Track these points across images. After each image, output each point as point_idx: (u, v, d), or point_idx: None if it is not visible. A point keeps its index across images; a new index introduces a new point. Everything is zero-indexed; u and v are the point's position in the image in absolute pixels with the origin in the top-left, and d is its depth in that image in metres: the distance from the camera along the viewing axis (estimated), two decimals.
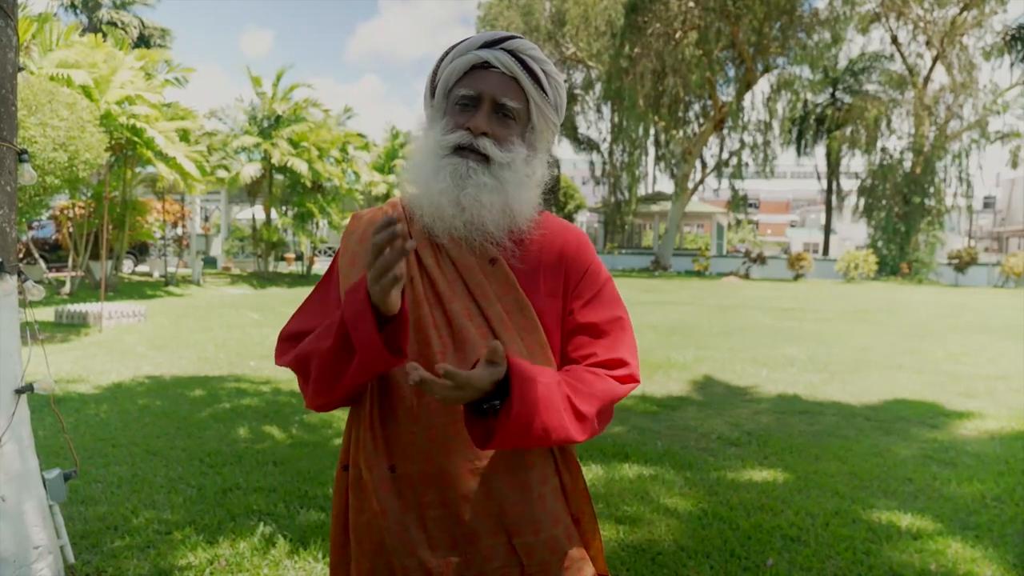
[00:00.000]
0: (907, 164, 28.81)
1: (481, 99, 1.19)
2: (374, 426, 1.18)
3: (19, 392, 2.37)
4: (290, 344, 1.27)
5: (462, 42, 1.24)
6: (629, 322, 1.28)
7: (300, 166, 19.00)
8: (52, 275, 15.99)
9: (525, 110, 1.22)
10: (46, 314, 10.41)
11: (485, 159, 1.18)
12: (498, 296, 1.19)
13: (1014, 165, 30.40)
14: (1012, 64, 25.99)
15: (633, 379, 1.22)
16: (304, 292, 17.58)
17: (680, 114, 30.37)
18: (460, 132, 1.18)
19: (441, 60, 1.25)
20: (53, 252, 18.03)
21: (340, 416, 5.11)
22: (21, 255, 15.73)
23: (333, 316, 1.15)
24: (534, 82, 1.21)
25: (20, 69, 2.37)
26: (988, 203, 51.88)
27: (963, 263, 26.43)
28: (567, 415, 1.09)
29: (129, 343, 8.52)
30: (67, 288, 13.94)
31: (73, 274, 14.43)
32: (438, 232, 1.20)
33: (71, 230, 14.94)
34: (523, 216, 1.22)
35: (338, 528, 1.28)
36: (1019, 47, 24.99)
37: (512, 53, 1.20)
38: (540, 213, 1.27)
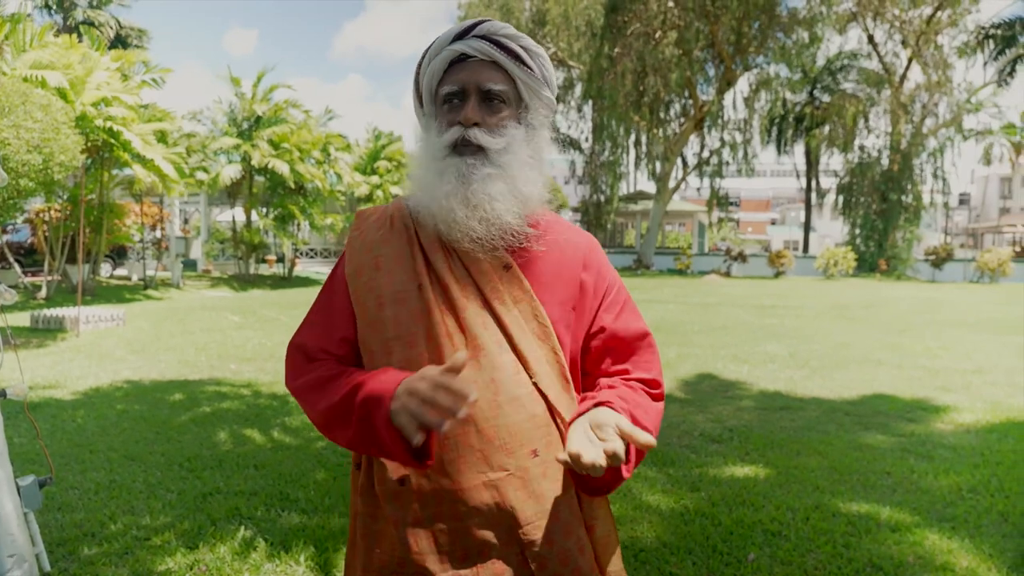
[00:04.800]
0: (884, 162, 29.20)
1: (466, 90, 1.17)
2: None
3: None
4: (301, 359, 1.23)
5: (434, 42, 1.22)
6: (653, 338, 1.30)
7: (281, 167, 18.84)
8: (28, 279, 15.73)
9: (514, 91, 1.19)
10: (22, 319, 10.25)
11: (481, 150, 1.16)
12: (514, 302, 1.16)
13: (988, 162, 30.98)
14: (985, 63, 26.50)
15: (663, 398, 1.27)
16: (286, 295, 17.53)
17: (661, 113, 30.54)
18: (453, 128, 1.16)
19: (420, 65, 1.23)
20: (29, 256, 17.74)
21: None
22: None
23: (350, 401, 1.09)
24: (515, 60, 1.18)
25: None
26: (963, 200, 52.76)
27: (939, 259, 26.81)
28: (636, 457, 1.14)
29: (107, 347, 8.41)
30: (43, 292, 13.73)
31: (49, 278, 14.20)
32: (456, 237, 1.16)
33: (47, 233, 14.70)
34: (535, 198, 1.20)
35: (354, 529, 1.25)
36: (992, 46, 25.46)
37: (485, 38, 1.18)
38: (552, 212, 1.28)
